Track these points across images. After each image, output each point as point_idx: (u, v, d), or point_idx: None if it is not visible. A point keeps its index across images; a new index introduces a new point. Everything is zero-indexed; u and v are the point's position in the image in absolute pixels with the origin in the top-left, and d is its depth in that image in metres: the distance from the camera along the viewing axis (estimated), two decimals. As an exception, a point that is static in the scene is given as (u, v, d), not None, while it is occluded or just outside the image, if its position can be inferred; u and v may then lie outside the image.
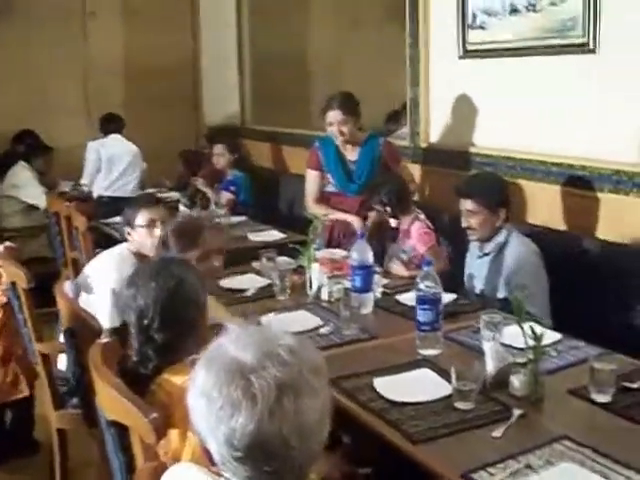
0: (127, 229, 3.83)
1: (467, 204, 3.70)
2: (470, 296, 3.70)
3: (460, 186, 3.83)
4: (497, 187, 3.77)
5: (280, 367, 1.42)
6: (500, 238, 3.69)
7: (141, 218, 3.79)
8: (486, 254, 3.76)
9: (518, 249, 3.63)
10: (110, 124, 6.88)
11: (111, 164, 6.74)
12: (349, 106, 4.61)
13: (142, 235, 3.78)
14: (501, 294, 3.62)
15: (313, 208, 4.79)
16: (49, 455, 3.72)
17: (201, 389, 1.45)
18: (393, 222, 4.24)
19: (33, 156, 6.96)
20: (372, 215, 4.38)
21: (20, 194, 6.71)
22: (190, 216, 3.63)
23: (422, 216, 4.24)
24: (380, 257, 4.01)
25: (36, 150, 7.03)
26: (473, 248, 3.86)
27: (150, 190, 6.61)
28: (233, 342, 1.48)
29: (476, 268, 3.81)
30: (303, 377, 1.43)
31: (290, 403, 1.40)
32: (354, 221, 4.62)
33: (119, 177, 6.76)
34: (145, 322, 2.35)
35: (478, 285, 3.77)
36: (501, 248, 3.69)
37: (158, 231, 3.74)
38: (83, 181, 6.78)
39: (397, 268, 4.00)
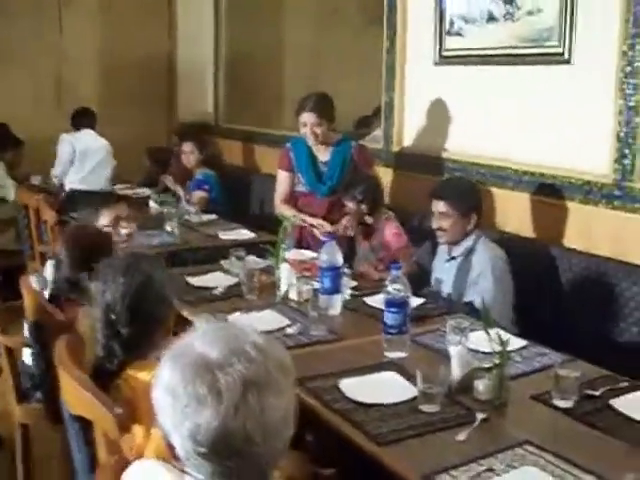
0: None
1: (439, 206, 3.72)
2: (437, 299, 3.72)
3: (435, 187, 3.87)
4: (471, 192, 3.81)
5: (247, 364, 1.41)
6: (468, 243, 3.72)
7: (105, 219, 3.76)
8: (453, 258, 3.78)
9: (485, 254, 3.66)
10: (83, 119, 6.80)
11: (84, 158, 6.66)
12: (323, 108, 4.61)
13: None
14: (467, 298, 3.65)
15: (281, 209, 4.80)
16: (11, 450, 3.68)
17: (166, 385, 1.44)
18: (369, 219, 4.28)
19: (3, 149, 6.89)
20: (350, 210, 4.38)
21: None
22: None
23: (393, 216, 4.29)
24: (349, 258, 4.03)
25: (6, 143, 6.95)
26: (441, 252, 3.88)
27: (119, 186, 6.58)
28: (199, 338, 1.48)
29: (444, 272, 3.84)
30: (269, 374, 1.43)
31: (255, 400, 1.40)
32: (315, 221, 4.64)
33: (91, 171, 6.68)
34: (112, 317, 2.34)
35: (445, 289, 3.80)
36: (469, 253, 3.71)
37: (124, 229, 3.73)
38: (54, 173, 6.70)
39: (368, 270, 4.02)
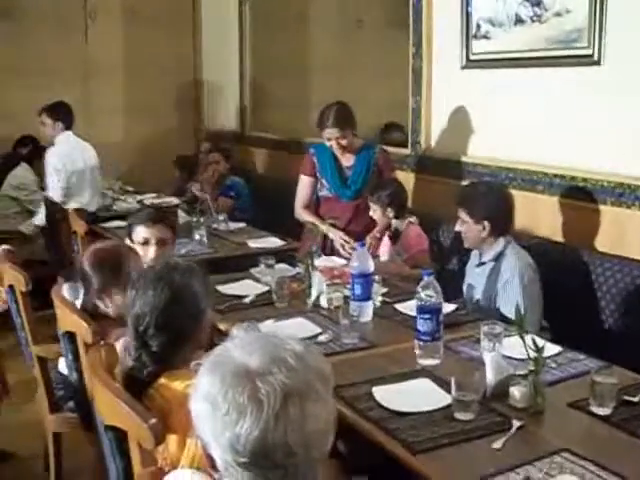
0: (127, 240, 3.80)
1: (459, 211, 3.76)
2: (468, 305, 3.70)
3: (458, 193, 3.88)
4: (486, 199, 3.74)
5: (287, 372, 1.40)
6: (498, 248, 3.69)
7: (136, 235, 3.75)
8: (483, 263, 3.77)
9: (513, 261, 3.64)
10: (70, 115, 6.37)
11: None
12: (344, 120, 4.64)
13: (139, 251, 3.75)
14: (496, 305, 3.63)
15: (302, 214, 4.83)
16: (45, 460, 3.70)
17: (205, 394, 1.43)
18: (395, 222, 4.34)
19: (36, 159, 6.94)
20: (376, 213, 4.40)
21: (21, 196, 6.69)
22: (108, 243, 3.44)
23: (415, 221, 4.32)
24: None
25: (39, 153, 7.00)
26: (473, 257, 3.86)
27: (148, 195, 6.59)
28: (238, 347, 1.46)
29: (474, 277, 3.82)
30: (309, 383, 1.42)
31: (296, 409, 1.38)
32: (336, 236, 4.63)
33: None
34: (141, 328, 2.34)
35: (475, 294, 3.77)
36: (498, 258, 3.69)
37: (152, 252, 3.69)
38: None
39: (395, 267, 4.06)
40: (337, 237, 4.66)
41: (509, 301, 3.50)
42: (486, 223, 3.67)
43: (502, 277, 3.63)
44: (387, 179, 4.63)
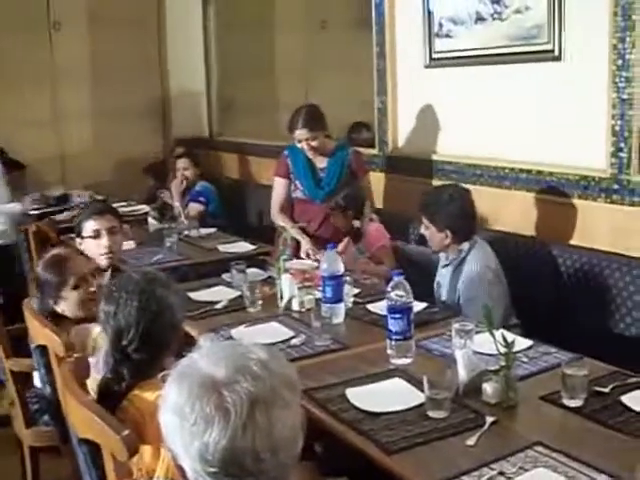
0: (78, 240, 3.80)
1: (422, 217, 3.83)
2: (437, 303, 3.73)
3: (420, 200, 3.91)
4: (448, 208, 3.75)
5: (253, 381, 1.41)
6: (462, 251, 3.74)
7: (86, 230, 3.77)
8: (447, 264, 3.82)
9: (473, 264, 3.68)
10: None
11: None
12: (314, 121, 4.63)
13: (91, 246, 3.77)
14: (459, 304, 3.69)
15: (277, 219, 4.84)
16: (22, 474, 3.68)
17: (173, 405, 1.43)
18: (356, 223, 4.37)
19: (5, 173, 6.89)
20: (335, 218, 4.44)
21: None
22: (53, 249, 3.54)
23: (376, 219, 4.39)
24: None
25: (9, 167, 6.96)
26: (441, 257, 3.89)
27: (119, 204, 6.56)
28: (204, 357, 1.47)
29: (441, 277, 3.88)
30: (276, 391, 1.43)
31: (263, 417, 1.39)
32: (303, 243, 4.64)
33: None
34: (123, 342, 2.33)
35: (442, 293, 3.83)
36: (462, 260, 3.74)
37: (105, 241, 3.74)
38: None
39: (365, 266, 4.13)
40: (304, 244, 4.65)
41: (471, 303, 3.57)
42: (448, 232, 3.72)
43: (463, 279, 3.69)
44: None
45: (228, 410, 1.38)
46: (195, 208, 6.10)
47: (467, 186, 4.40)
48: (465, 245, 3.73)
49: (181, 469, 1.46)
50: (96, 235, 3.76)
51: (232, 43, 7.48)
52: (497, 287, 3.65)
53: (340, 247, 4.06)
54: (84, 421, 2.11)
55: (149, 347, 2.33)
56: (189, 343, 2.57)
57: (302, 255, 4.53)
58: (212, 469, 1.39)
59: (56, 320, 3.06)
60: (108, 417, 2.04)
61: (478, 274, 3.63)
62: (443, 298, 3.80)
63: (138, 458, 2.10)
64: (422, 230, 3.86)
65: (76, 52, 7.70)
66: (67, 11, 7.65)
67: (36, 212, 6.27)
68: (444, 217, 3.72)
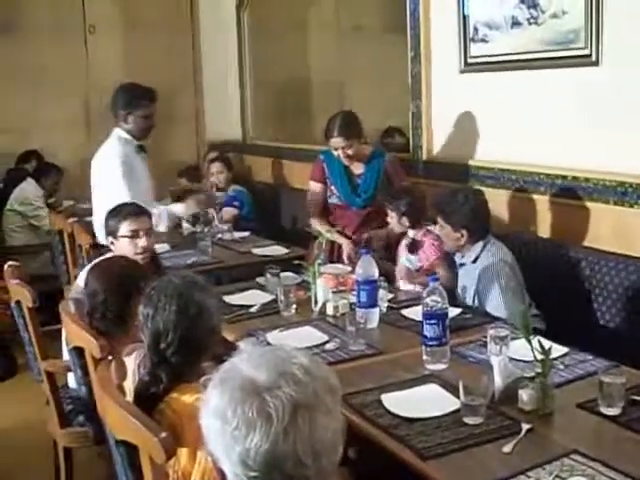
0: (110, 239, 3.82)
1: (437, 217, 3.87)
2: (461, 305, 3.74)
3: (435, 199, 3.95)
4: (463, 209, 3.77)
5: (295, 386, 1.41)
6: (476, 251, 3.75)
7: (124, 228, 3.79)
8: (462, 264, 3.84)
9: (488, 258, 3.70)
10: None
11: None
12: (350, 129, 4.61)
13: (124, 245, 3.79)
14: (480, 303, 3.71)
15: (314, 222, 4.81)
16: (56, 475, 3.71)
17: (215, 409, 1.44)
18: (411, 232, 4.28)
19: (44, 175, 7.00)
20: (392, 221, 4.39)
21: (27, 211, 6.72)
22: (113, 256, 3.54)
23: (433, 229, 4.28)
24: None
25: (46, 170, 7.07)
26: (456, 257, 3.91)
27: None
28: (246, 362, 1.47)
29: (459, 278, 3.89)
30: (318, 396, 1.43)
31: (305, 422, 1.39)
32: (344, 245, 4.63)
33: None
34: (162, 345, 2.34)
35: (462, 294, 3.83)
36: (475, 260, 3.75)
37: (142, 241, 3.76)
38: None
39: (405, 285, 4.03)
40: (345, 247, 4.65)
41: (485, 293, 3.63)
42: (464, 232, 3.73)
43: (480, 278, 3.70)
44: (404, 187, 4.58)
45: (270, 415, 1.38)
46: (229, 212, 6.13)
47: (502, 192, 4.41)
48: (479, 244, 3.75)
49: (221, 472, 1.46)
50: (133, 235, 3.78)
51: (266, 47, 7.50)
52: (512, 281, 3.64)
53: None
54: (121, 423, 2.12)
55: (187, 350, 2.34)
56: (228, 347, 2.59)
57: (344, 258, 4.52)
58: (253, 473, 1.39)
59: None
60: (146, 419, 2.05)
61: (493, 265, 3.66)
62: (463, 298, 3.80)
63: (175, 461, 2.11)
64: (437, 230, 3.91)
65: (111, 55, 7.77)
66: (102, 15, 7.75)
67: None
68: (460, 217, 3.74)
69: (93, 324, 2.99)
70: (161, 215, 4.72)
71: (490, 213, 3.89)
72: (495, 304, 3.58)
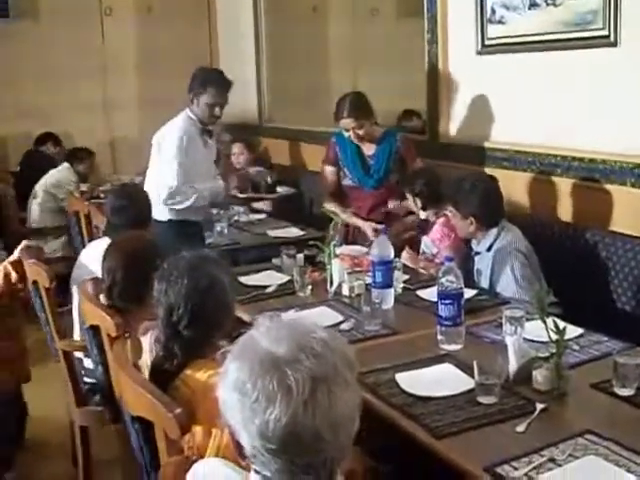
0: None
1: (447, 205, 3.89)
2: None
3: (445, 188, 3.96)
4: (470, 197, 3.77)
5: (315, 359, 1.42)
6: (490, 239, 3.75)
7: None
8: (478, 253, 3.83)
9: (503, 244, 3.69)
10: None
11: None
12: (360, 110, 4.61)
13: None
14: (496, 290, 3.68)
15: (330, 205, 4.80)
16: (72, 453, 3.74)
17: (234, 382, 1.44)
18: (422, 214, 4.31)
19: (76, 161, 7.03)
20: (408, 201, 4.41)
21: (59, 193, 6.75)
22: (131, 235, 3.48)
23: (449, 212, 4.27)
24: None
25: (79, 155, 7.10)
26: (473, 244, 3.90)
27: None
28: (265, 335, 1.48)
29: (476, 264, 3.87)
30: (337, 370, 1.43)
31: (324, 396, 1.40)
32: (366, 227, 4.63)
33: None
34: (174, 318, 2.36)
35: (481, 281, 3.82)
36: (490, 248, 3.74)
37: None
38: None
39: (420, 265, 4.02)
40: (364, 226, 4.65)
41: (503, 288, 3.60)
42: (472, 219, 3.73)
43: (494, 265, 3.69)
44: (424, 170, 4.59)
45: (290, 388, 1.39)
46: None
47: (519, 174, 4.40)
48: (493, 231, 3.73)
49: (239, 445, 1.47)
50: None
51: (282, 30, 7.48)
52: (526, 268, 3.61)
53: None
54: (137, 399, 2.14)
55: (199, 324, 2.36)
56: (242, 326, 2.60)
57: (370, 237, 4.50)
58: (272, 446, 1.40)
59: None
60: (161, 395, 2.07)
61: (505, 250, 3.64)
62: (481, 285, 3.78)
63: (190, 437, 2.12)
64: (450, 216, 3.91)
65: (126, 37, 7.78)
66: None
67: (242, 195, 6.23)
68: (468, 205, 3.74)
69: (111, 301, 3.02)
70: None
71: (502, 199, 3.86)
72: (508, 290, 3.57)
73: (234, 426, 1.45)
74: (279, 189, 6.42)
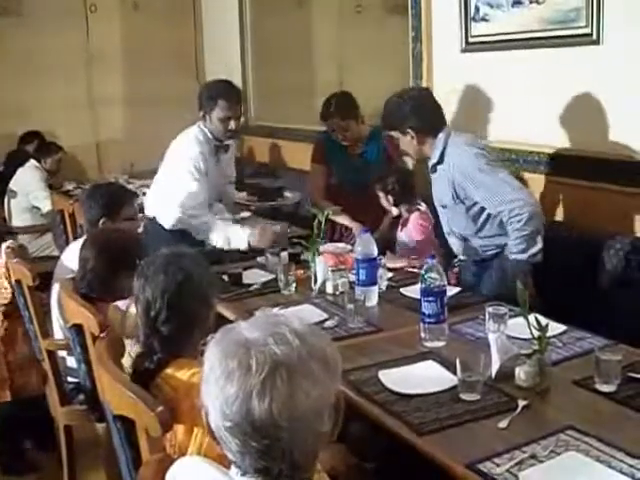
0: (103, 219, 3.76)
1: (387, 134, 3.89)
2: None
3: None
4: (399, 109, 3.74)
5: (281, 346, 1.44)
6: (439, 147, 3.70)
7: (126, 212, 3.80)
8: (434, 168, 3.78)
9: (457, 159, 3.64)
10: None
11: None
12: (345, 110, 4.63)
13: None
14: (459, 202, 3.69)
15: (320, 203, 4.78)
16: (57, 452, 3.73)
17: (208, 361, 1.48)
18: (394, 210, 4.33)
19: (44, 155, 6.99)
20: (385, 203, 4.41)
21: (29, 192, 6.71)
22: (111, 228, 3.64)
23: (423, 208, 4.28)
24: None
25: (47, 149, 7.06)
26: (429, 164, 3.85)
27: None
28: (247, 323, 1.52)
29: (434, 183, 3.85)
30: (302, 360, 1.44)
31: (283, 382, 1.41)
32: (355, 227, 4.62)
33: None
34: (152, 313, 2.35)
35: (442, 199, 3.81)
36: (442, 158, 3.70)
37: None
38: None
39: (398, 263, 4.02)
40: (356, 227, 4.62)
41: (477, 194, 3.59)
42: (410, 131, 3.70)
43: (455, 177, 3.65)
44: (392, 167, 4.60)
45: (250, 366, 1.41)
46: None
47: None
48: (440, 139, 3.69)
49: (209, 427, 1.48)
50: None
51: (268, 27, 7.47)
52: (491, 170, 3.58)
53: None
54: (118, 397, 2.13)
55: (177, 319, 2.35)
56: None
57: (356, 233, 4.48)
58: (229, 424, 1.42)
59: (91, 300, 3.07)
60: (142, 393, 2.06)
61: (465, 168, 3.60)
62: (444, 203, 3.78)
63: (171, 435, 2.12)
64: (401, 146, 3.84)
65: (111, 35, 7.76)
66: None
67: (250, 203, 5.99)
68: (402, 120, 3.71)
69: (79, 290, 3.05)
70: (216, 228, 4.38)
71: (439, 107, 3.84)
72: (483, 195, 3.55)
73: (206, 405, 1.47)
74: (287, 194, 6.30)
